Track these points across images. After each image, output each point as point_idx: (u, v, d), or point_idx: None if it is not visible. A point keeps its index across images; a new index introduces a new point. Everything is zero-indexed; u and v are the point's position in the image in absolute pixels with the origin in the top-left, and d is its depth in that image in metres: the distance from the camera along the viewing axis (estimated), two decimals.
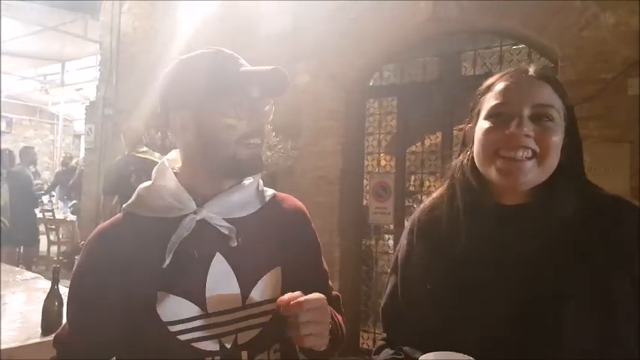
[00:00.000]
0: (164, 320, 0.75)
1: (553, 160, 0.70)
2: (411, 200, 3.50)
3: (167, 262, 0.75)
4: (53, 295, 1.76)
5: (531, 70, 0.74)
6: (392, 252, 3.37)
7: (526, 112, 0.70)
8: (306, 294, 0.81)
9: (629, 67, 2.37)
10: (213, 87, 0.77)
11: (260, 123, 0.80)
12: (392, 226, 3.39)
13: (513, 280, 0.67)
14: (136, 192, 0.83)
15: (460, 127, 3.27)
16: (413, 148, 3.47)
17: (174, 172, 0.83)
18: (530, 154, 0.69)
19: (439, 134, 3.28)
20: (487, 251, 0.70)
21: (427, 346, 0.65)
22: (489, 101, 0.74)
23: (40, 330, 1.73)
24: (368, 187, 3.44)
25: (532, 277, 0.66)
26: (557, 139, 0.70)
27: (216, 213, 0.80)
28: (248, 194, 0.84)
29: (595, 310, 0.62)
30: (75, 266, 0.81)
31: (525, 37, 2.86)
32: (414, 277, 0.78)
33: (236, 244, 0.79)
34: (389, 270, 0.87)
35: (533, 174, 0.69)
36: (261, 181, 0.89)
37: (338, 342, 0.86)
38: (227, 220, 0.80)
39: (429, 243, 0.78)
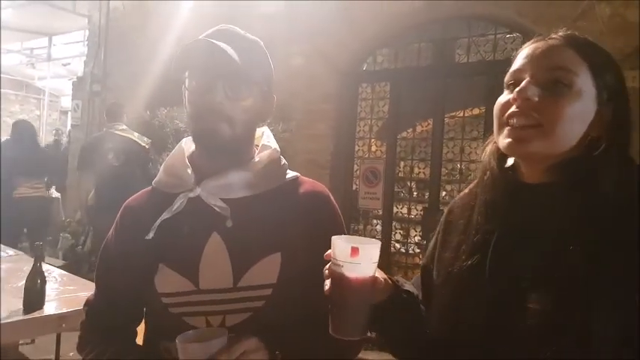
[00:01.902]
0: (159, 291, 0.79)
1: (564, 131, 0.63)
2: (400, 186, 3.52)
3: (150, 235, 0.79)
4: (36, 272, 1.74)
5: (558, 34, 0.68)
6: (380, 237, 3.39)
7: (535, 76, 0.64)
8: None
9: (625, 58, 2.36)
10: (189, 65, 0.78)
11: (213, 100, 0.76)
12: (380, 212, 3.41)
13: (532, 257, 0.63)
14: (160, 168, 0.88)
15: (452, 114, 3.28)
16: (404, 134, 3.46)
17: (193, 153, 0.85)
18: (532, 121, 0.63)
19: (430, 121, 3.28)
20: (506, 231, 0.66)
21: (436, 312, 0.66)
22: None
23: (21, 307, 1.72)
24: (358, 171, 3.44)
25: (552, 254, 0.62)
26: (571, 108, 0.62)
27: (213, 191, 0.79)
28: (253, 174, 0.81)
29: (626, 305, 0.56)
30: (107, 236, 0.88)
31: (520, 26, 2.84)
32: (441, 259, 0.76)
33: (231, 224, 0.78)
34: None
35: (537, 145, 0.63)
36: (282, 162, 0.86)
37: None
38: (227, 200, 0.79)
39: (455, 225, 0.75)
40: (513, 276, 0.63)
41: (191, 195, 0.79)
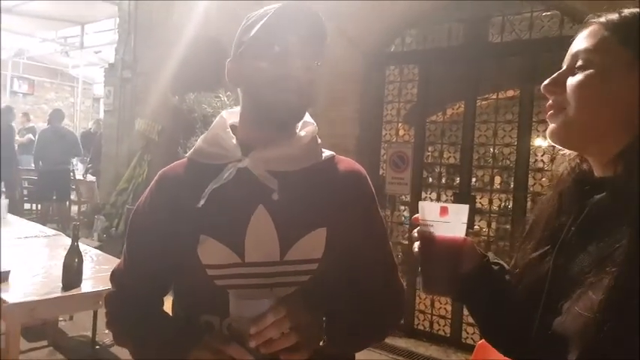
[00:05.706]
0: (203, 263, 0.77)
1: (576, 112, 0.62)
2: (429, 172, 3.44)
3: (202, 202, 0.77)
4: (73, 251, 1.81)
5: (602, 17, 0.64)
6: (407, 223, 3.35)
7: (566, 62, 0.65)
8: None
9: None
10: (253, 34, 0.77)
11: (292, 66, 0.76)
12: (408, 197, 3.36)
13: (594, 254, 0.60)
14: (198, 140, 0.86)
15: (485, 96, 3.16)
16: (433, 117, 3.37)
17: (232, 125, 0.85)
18: (555, 104, 0.65)
19: (462, 104, 3.18)
20: (574, 225, 0.64)
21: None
22: None
23: (60, 285, 1.79)
24: (385, 156, 3.39)
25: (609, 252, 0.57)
26: (585, 88, 0.61)
27: (260, 163, 0.79)
28: (298, 148, 0.81)
29: None
30: (137, 204, 0.87)
31: (558, 3, 2.69)
32: (521, 249, 0.75)
33: (277, 197, 0.77)
34: None
35: (554, 126, 0.65)
36: (318, 139, 0.86)
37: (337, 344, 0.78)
38: (274, 172, 0.78)
39: (539, 219, 0.74)
40: (574, 273, 0.60)
41: (240, 165, 0.78)
